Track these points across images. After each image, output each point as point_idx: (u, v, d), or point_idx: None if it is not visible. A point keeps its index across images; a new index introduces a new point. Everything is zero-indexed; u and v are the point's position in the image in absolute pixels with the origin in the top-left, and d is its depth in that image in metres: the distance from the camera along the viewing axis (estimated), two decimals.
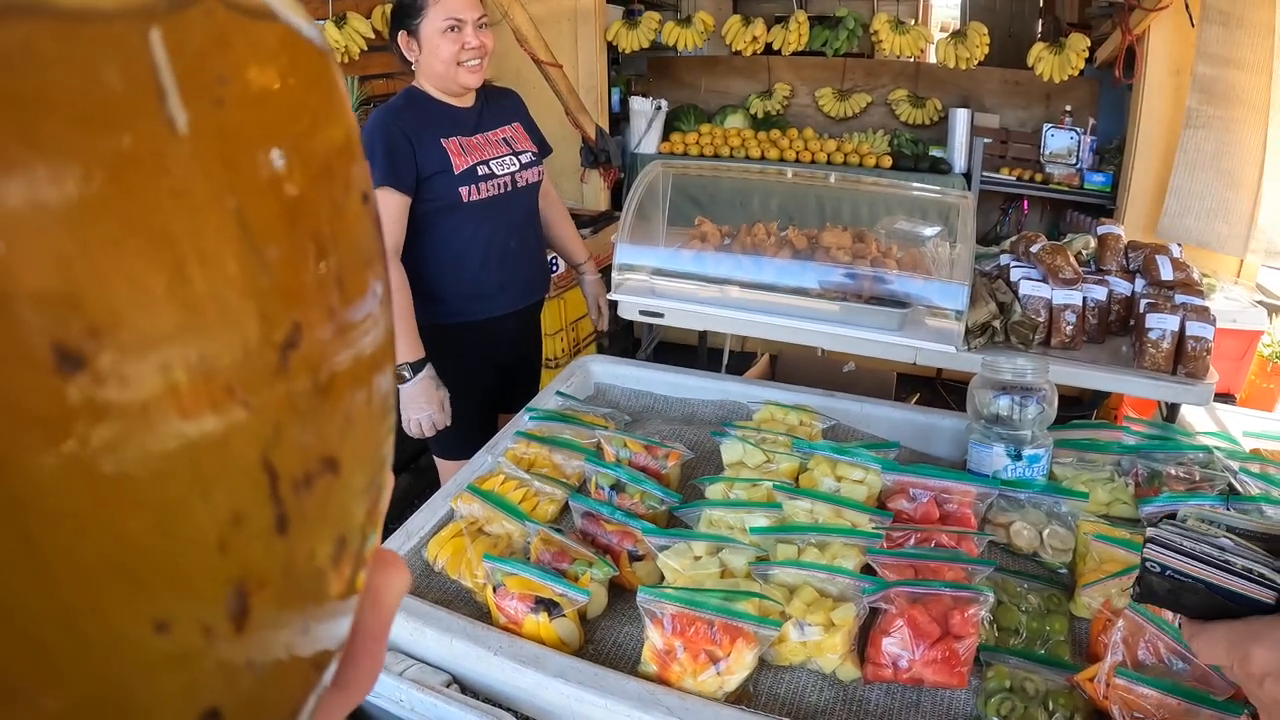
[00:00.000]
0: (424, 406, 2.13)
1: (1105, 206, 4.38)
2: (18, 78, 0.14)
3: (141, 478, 0.16)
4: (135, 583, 0.16)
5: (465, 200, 2.15)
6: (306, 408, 0.20)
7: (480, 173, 2.17)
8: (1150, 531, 0.69)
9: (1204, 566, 0.65)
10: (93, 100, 0.15)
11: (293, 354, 0.19)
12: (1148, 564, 0.68)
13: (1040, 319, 2.22)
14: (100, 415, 0.15)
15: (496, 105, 2.33)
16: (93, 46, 0.15)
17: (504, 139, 2.28)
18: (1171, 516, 0.73)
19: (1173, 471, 1.63)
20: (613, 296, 2.42)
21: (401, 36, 2.13)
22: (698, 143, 4.78)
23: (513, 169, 2.25)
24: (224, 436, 0.17)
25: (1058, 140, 4.60)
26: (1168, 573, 0.67)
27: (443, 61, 2.09)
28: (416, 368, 2.10)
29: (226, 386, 0.17)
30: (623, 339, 4.44)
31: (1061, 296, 2.22)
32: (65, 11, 0.15)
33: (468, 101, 2.23)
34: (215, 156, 0.17)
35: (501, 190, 2.22)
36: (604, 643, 1.30)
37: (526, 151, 2.31)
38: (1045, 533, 1.49)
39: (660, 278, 2.43)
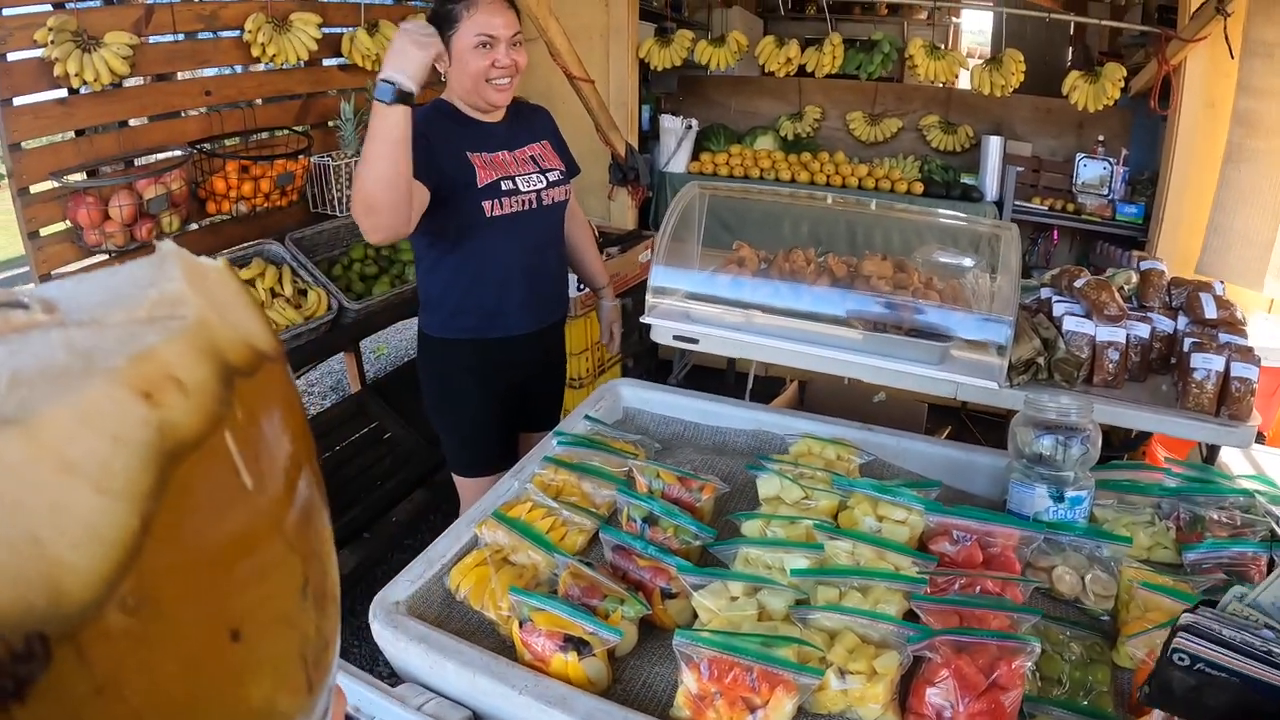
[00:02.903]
0: (410, 50, 1.79)
1: (1137, 238, 4.32)
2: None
3: (275, 652, 0.30)
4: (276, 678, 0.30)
5: (488, 215, 2.10)
6: (317, 618, 0.33)
7: (504, 188, 2.12)
8: (1185, 618, 0.62)
9: (1243, 659, 0.58)
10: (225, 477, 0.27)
11: (310, 589, 0.32)
12: (1176, 656, 0.61)
13: (1084, 356, 2.16)
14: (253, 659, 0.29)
15: (526, 122, 2.29)
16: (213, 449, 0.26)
17: (531, 156, 2.23)
18: (1212, 604, 0.66)
19: (1215, 516, 1.59)
20: (646, 320, 2.37)
21: None
22: (728, 163, 4.75)
23: (539, 186, 2.20)
24: (288, 642, 0.31)
25: (1090, 170, 4.54)
26: (1197, 666, 0.59)
27: (471, 77, 2.05)
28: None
29: (291, 624, 0.31)
30: (647, 360, 4.40)
31: (1106, 333, 2.16)
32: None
33: (496, 117, 2.19)
34: (263, 488, 0.29)
35: (526, 207, 2.17)
36: (633, 683, 1.25)
37: (554, 170, 2.27)
38: (1087, 578, 1.44)
39: (695, 302, 2.37)
